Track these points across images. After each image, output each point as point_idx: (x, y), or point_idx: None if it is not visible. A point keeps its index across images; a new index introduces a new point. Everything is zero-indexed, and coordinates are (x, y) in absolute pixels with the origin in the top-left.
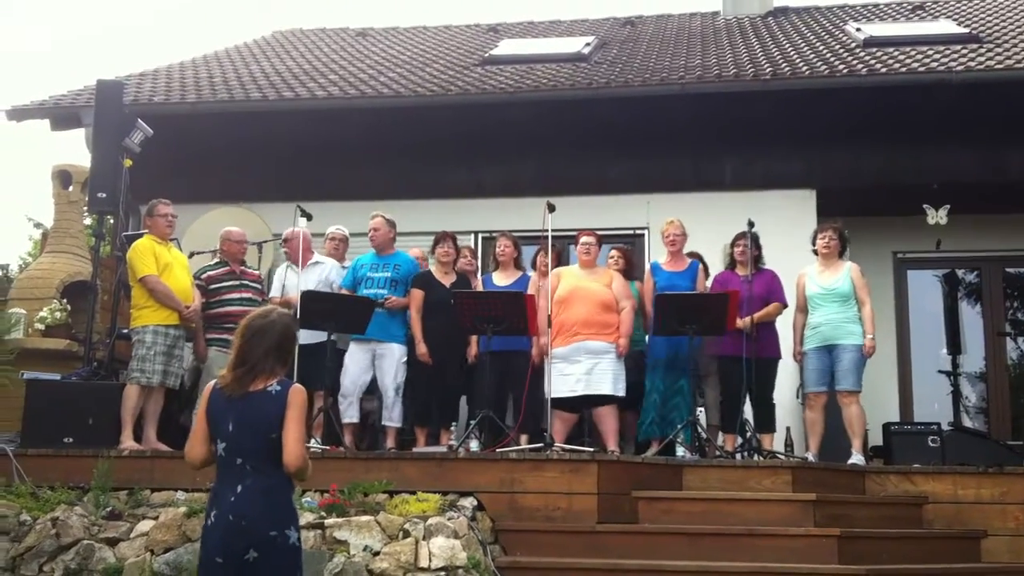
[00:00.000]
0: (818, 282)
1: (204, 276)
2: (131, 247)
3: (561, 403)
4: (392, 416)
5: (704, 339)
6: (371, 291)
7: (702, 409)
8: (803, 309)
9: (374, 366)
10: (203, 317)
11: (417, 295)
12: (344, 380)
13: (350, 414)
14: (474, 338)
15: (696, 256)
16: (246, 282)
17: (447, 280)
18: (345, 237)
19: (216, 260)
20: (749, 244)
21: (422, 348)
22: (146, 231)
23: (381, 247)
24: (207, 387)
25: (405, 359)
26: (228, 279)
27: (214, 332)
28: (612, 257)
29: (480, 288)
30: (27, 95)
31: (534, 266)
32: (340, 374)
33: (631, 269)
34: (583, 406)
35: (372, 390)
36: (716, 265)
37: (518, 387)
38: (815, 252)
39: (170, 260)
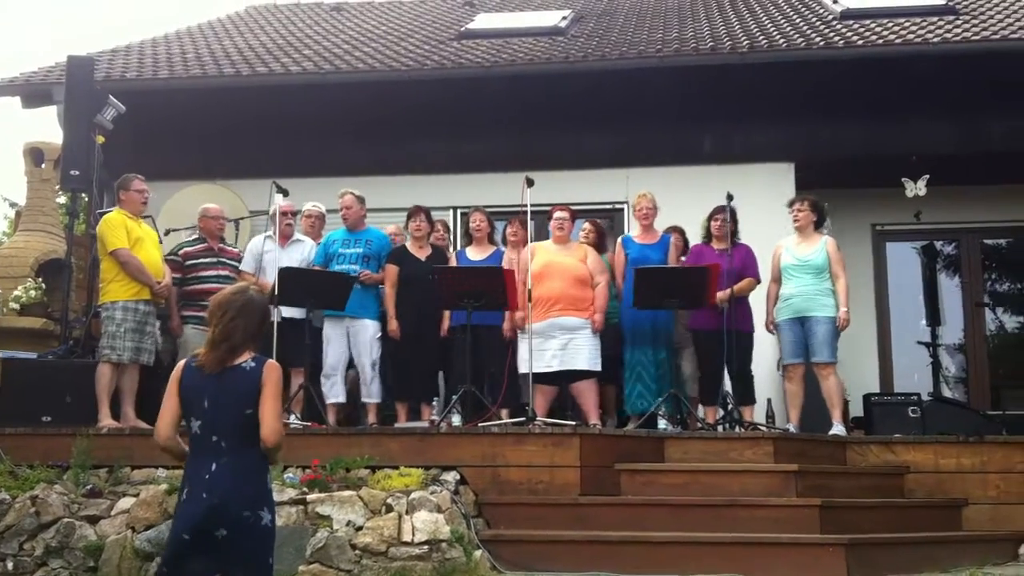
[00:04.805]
0: (794, 253)
1: (181, 252)
2: (101, 220)
3: (538, 377)
4: (371, 392)
5: (679, 312)
6: (343, 267)
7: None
8: (777, 280)
9: (349, 343)
10: (179, 294)
11: (392, 271)
12: (327, 359)
13: (335, 393)
14: (446, 313)
15: (678, 230)
16: (224, 259)
17: (422, 254)
18: (322, 214)
19: (195, 237)
20: (727, 218)
21: (393, 324)
22: (117, 206)
23: (354, 225)
24: (178, 365)
25: (380, 335)
26: (206, 256)
27: (190, 309)
28: (584, 230)
29: (454, 263)
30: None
31: (504, 240)
32: (318, 352)
33: (602, 241)
34: (561, 380)
35: (348, 367)
36: (696, 238)
37: (493, 361)
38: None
39: (141, 235)
